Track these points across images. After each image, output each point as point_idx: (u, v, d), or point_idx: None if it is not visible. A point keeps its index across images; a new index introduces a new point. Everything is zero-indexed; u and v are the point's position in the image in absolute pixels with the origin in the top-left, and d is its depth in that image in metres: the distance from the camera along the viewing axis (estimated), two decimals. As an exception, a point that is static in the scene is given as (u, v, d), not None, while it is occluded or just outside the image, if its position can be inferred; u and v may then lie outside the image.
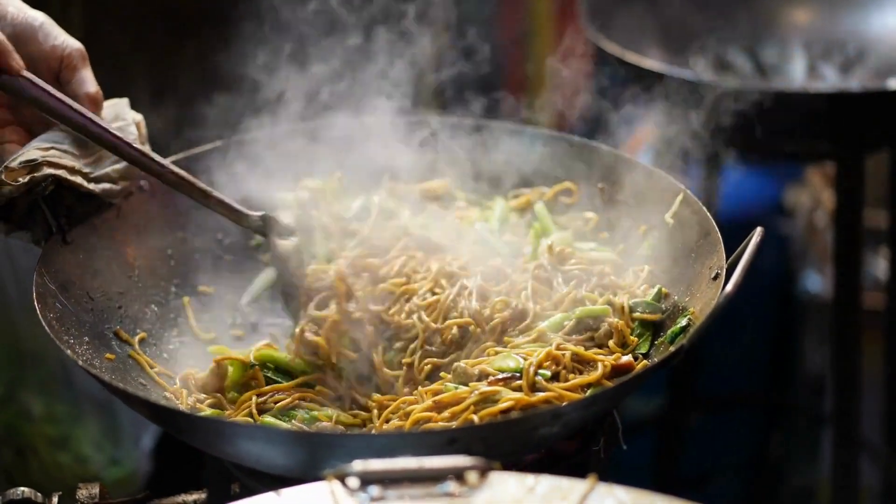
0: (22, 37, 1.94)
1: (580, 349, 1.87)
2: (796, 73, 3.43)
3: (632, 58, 2.93)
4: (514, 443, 1.69)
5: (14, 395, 3.03)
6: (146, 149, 2.00)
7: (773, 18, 3.57)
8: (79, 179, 1.96)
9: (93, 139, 1.95)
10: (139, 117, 2.10)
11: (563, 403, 1.74)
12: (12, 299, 2.97)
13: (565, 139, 2.26)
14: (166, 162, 2.00)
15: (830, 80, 3.38)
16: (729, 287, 1.72)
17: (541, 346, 1.89)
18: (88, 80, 1.98)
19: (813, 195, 4.06)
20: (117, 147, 1.96)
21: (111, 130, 1.96)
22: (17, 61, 1.89)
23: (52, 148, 1.95)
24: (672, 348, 1.74)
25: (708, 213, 1.97)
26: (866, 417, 3.51)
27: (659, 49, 3.30)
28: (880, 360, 3.63)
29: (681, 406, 3.71)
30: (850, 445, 3.27)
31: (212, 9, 3.23)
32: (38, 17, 1.96)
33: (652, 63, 2.90)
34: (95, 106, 1.99)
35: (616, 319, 1.92)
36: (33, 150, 1.93)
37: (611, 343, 1.91)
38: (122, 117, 2.04)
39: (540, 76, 4.36)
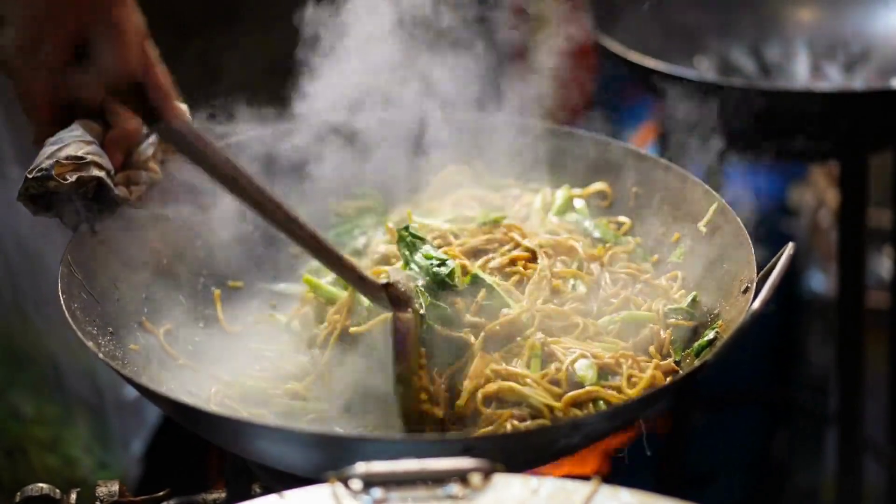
0: None
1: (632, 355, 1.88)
2: (800, 73, 3.43)
3: (635, 57, 2.93)
4: (532, 453, 1.68)
5: (4, 396, 3.02)
6: (294, 214, 1.80)
7: (777, 17, 3.57)
8: (110, 183, 1.94)
9: (242, 196, 1.77)
10: (182, 107, 2.10)
11: (585, 415, 1.74)
12: (6, 300, 2.97)
13: (601, 141, 2.25)
14: (310, 227, 1.81)
15: (834, 79, 3.38)
16: (756, 304, 1.71)
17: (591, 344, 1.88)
18: (125, 114, 1.94)
19: (817, 194, 4.06)
20: (264, 208, 1.77)
21: (266, 192, 1.78)
22: (177, 107, 1.83)
23: (93, 143, 1.92)
24: (697, 362, 1.73)
25: (742, 224, 1.95)
26: (870, 417, 3.50)
27: (663, 48, 3.30)
28: (884, 360, 3.63)
29: (684, 405, 3.71)
30: (855, 445, 3.27)
31: (216, 9, 3.23)
32: None
33: (655, 63, 2.90)
34: (127, 139, 1.97)
35: (658, 326, 1.92)
36: (79, 143, 1.90)
37: (651, 349, 1.90)
38: None
39: (545, 74, 4.36)
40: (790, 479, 4.25)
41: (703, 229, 2.04)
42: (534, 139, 2.30)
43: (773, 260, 1.80)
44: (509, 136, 2.30)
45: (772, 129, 3.08)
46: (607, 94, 4.63)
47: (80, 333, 1.76)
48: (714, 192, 2.06)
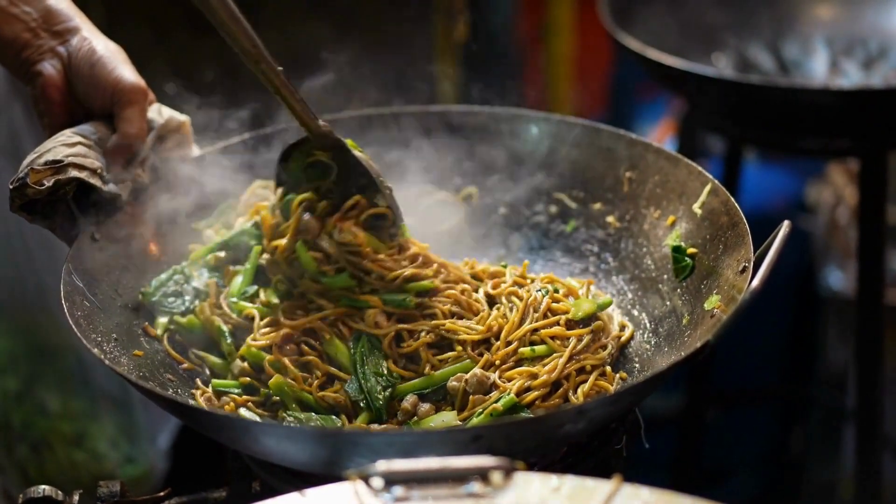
0: (81, 65, 2.00)
1: None
2: (818, 70, 3.42)
3: (653, 55, 2.93)
4: (537, 440, 1.69)
5: (31, 391, 3.04)
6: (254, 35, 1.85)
7: (796, 15, 3.56)
8: (98, 182, 1.95)
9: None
10: (182, 118, 2.11)
11: (587, 401, 1.76)
12: (31, 296, 2.98)
13: (594, 127, 2.26)
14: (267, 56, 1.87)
15: (853, 76, 3.37)
16: (755, 282, 1.72)
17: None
18: (129, 120, 2.00)
19: (835, 191, 4.05)
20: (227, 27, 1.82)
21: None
22: None
23: (79, 143, 1.94)
24: (698, 344, 1.74)
25: (736, 205, 1.96)
26: (889, 413, 3.50)
27: (680, 45, 3.30)
28: (903, 357, 3.62)
29: (701, 401, 3.71)
30: (873, 442, 3.26)
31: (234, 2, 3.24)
32: (99, 50, 2.00)
33: (674, 60, 2.90)
34: (128, 146, 2.01)
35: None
36: (60, 147, 1.93)
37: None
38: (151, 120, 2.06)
39: (560, 70, 4.36)
40: (808, 475, 4.25)
41: (699, 211, 2.05)
42: (528, 128, 2.30)
43: (770, 239, 1.81)
44: (506, 126, 2.31)
45: (790, 126, 3.08)
46: (625, 90, 4.64)
47: (84, 341, 1.78)
48: (707, 174, 2.06)
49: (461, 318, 2.01)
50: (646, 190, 2.17)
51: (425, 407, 1.89)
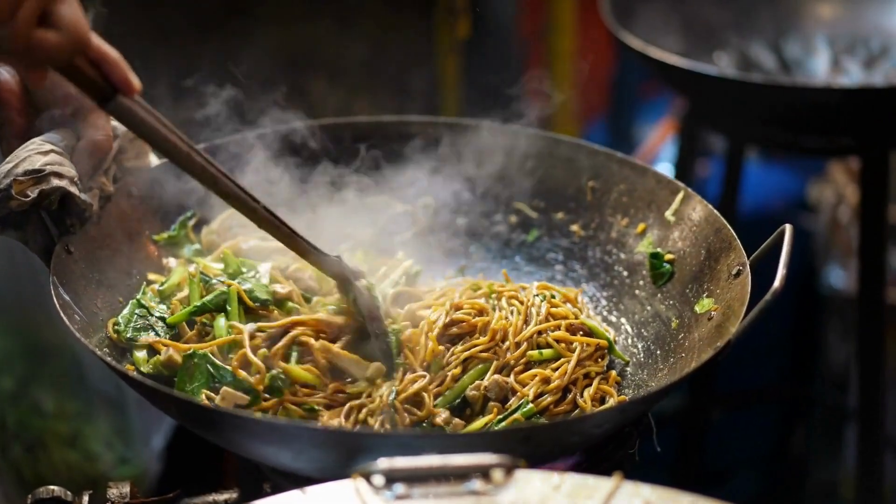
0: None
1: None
2: (820, 69, 3.42)
3: (655, 53, 2.93)
4: (579, 439, 1.71)
5: (26, 391, 3.02)
6: (245, 187, 1.82)
7: (797, 13, 3.56)
8: (75, 190, 1.89)
9: (191, 172, 1.78)
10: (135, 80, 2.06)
11: (627, 401, 1.83)
12: (28, 294, 2.97)
13: (553, 138, 2.26)
14: (260, 202, 1.84)
15: (854, 75, 3.37)
16: (777, 283, 1.72)
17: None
18: (96, 126, 1.92)
19: (836, 190, 4.05)
20: (216, 182, 1.78)
21: (215, 164, 1.78)
22: (135, 80, 1.73)
23: (52, 151, 1.87)
24: (719, 343, 1.74)
25: (715, 210, 1.97)
26: (890, 413, 3.50)
27: (682, 44, 3.30)
28: (904, 356, 3.62)
29: (702, 401, 3.71)
30: (875, 441, 3.26)
31: (235, 2, 3.24)
32: None
33: (675, 59, 2.90)
34: (97, 152, 1.94)
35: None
36: (35, 156, 1.85)
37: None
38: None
39: (562, 68, 4.36)
40: (809, 475, 4.25)
41: (672, 218, 2.06)
42: (484, 138, 2.28)
43: (769, 241, 1.82)
44: (462, 136, 2.29)
45: (791, 125, 3.08)
46: (626, 89, 4.64)
47: (98, 353, 1.76)
48: (678, 182, 2.07)
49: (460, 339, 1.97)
50: (611, 199, 2.18)
51: (454, 420, 1.88)
